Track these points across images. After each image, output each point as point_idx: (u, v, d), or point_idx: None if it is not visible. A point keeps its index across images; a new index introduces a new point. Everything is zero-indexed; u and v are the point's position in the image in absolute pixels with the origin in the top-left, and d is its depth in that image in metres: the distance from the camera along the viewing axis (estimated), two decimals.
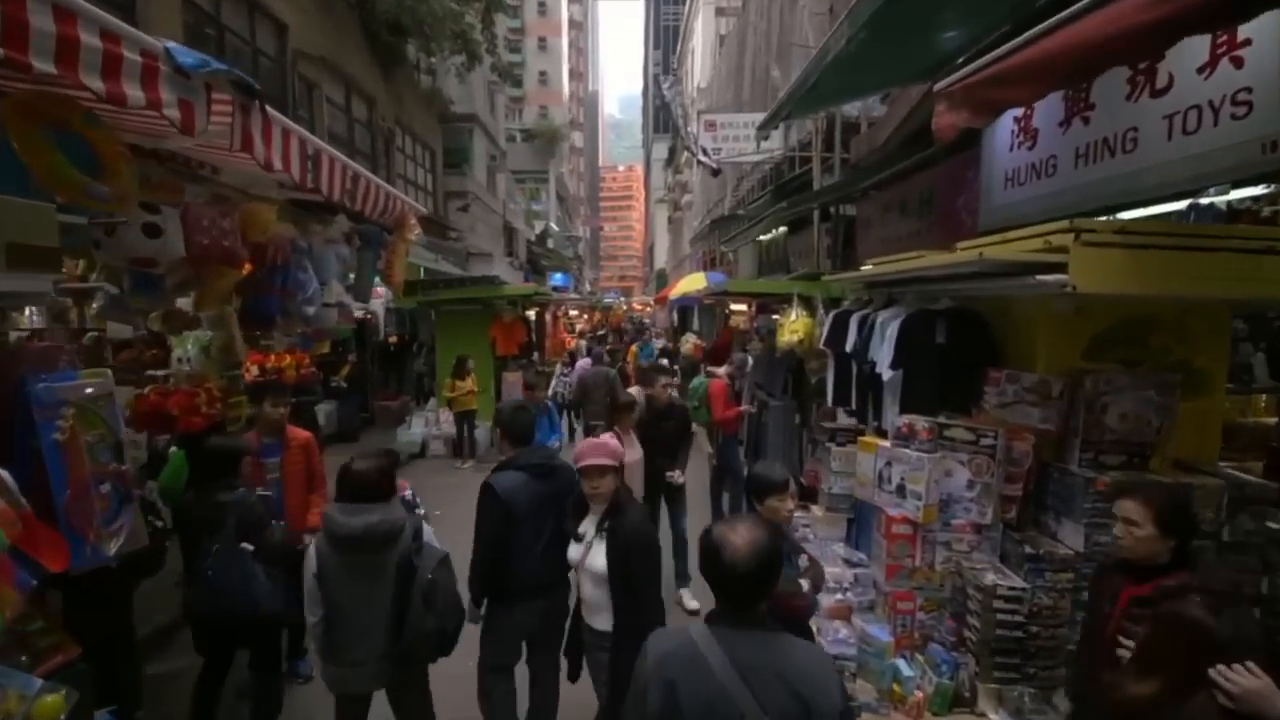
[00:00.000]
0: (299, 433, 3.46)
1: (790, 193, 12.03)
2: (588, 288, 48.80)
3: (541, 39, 47.18)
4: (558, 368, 9.30)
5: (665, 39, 54.06)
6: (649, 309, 28.83)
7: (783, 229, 14.38)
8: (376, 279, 5.99)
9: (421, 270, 10.90)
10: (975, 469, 2.63)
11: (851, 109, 11.18)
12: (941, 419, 2.78)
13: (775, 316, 8.59)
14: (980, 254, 2.28)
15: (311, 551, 2.46)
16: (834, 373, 4.11)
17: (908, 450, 2.70)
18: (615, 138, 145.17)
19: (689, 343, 9.55)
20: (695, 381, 5.46)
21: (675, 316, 17.27)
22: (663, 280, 51.96)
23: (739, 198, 19.95)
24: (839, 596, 2.94)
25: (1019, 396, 2.69)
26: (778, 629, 1.48)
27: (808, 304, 5.56)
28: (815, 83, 4.70)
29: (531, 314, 14.02)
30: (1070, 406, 2.59)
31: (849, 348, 3.75)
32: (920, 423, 2.68)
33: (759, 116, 14.91)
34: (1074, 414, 2.58)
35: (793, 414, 5.83)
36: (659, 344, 10.58)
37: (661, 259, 62.60)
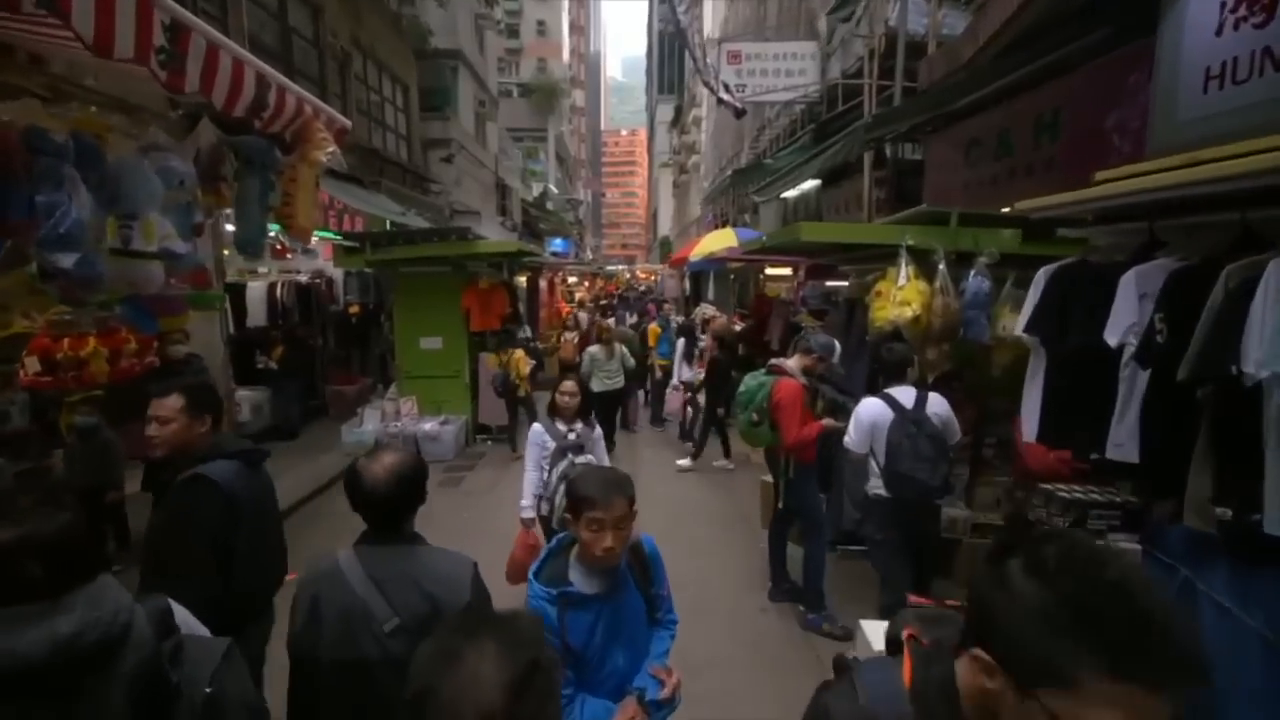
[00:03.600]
0: None
1: (833, 134, 9.90)
2: (589, 255, 46.56)
3: None
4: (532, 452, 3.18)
5: None
6: (654, 277, 26.74)
7: (814, 182, 12.28)
8: (271, 224, 4.06)
9: (388, 224, 8.90)
10: None
11: (917, 25, 9.06)
12: None
13: (840, 283, 6.61)
14: None
15: None
16: (1049, 379, 2.21)
17: None
18: (618, 101, 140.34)
19: (715, 317, 7.59)
20: (750, 383, 3.54)
21: (688, 284, 15.26)
22: (667, 247, 49.44)
23: (758, 152, 17.70)
24: None
25: None
26: (420, 544, 1.54)
27: (921, 261, 3.63)
28: None
29: (522, 280, 12.08)
30: None
31: (1117, 339, 1.84)
32: None
33: (793, 46, 12.67)
34: None
35: None
36: (675, 320, 8.60)
37: (665, 226, 60.16)
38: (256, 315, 7.88)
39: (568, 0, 51.26)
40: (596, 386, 6.48)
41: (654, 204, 71.60)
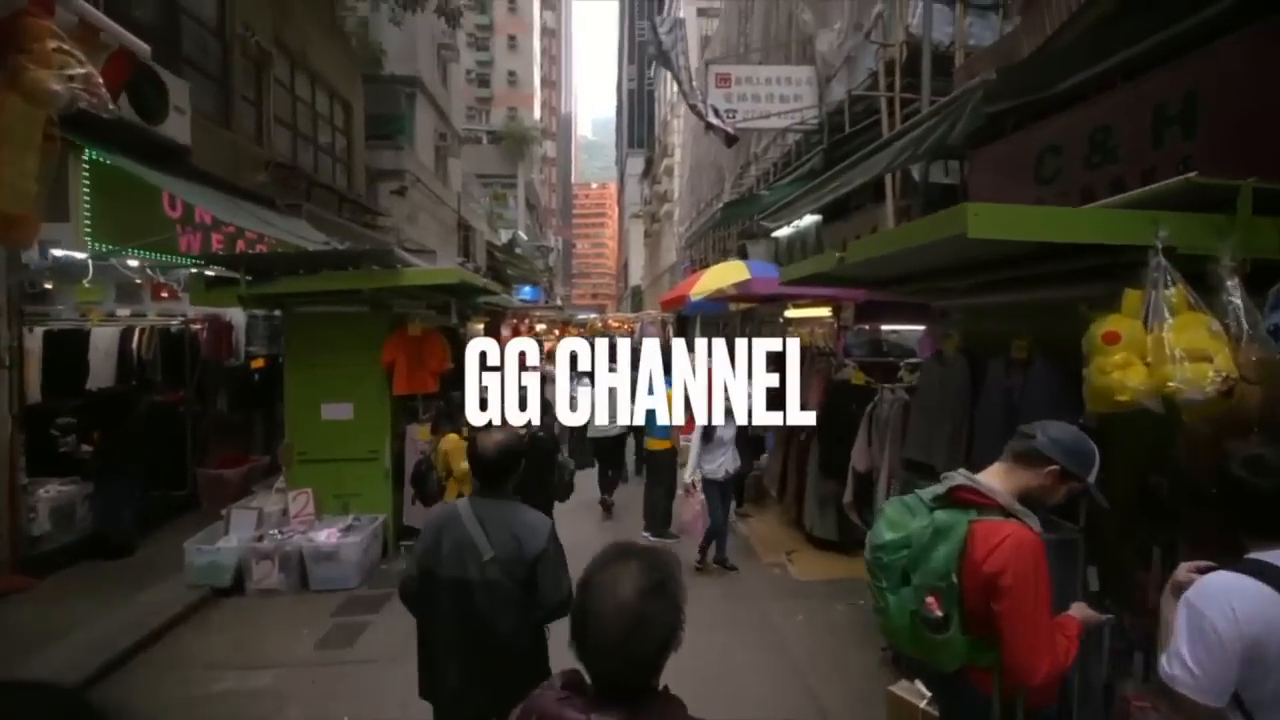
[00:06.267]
0: None
1: (839, 159, 8.45)
2: (559, 303, 45.12)
3: (511, 37, 43.67)
4: None
5: (640, 54, 51.24)
6: (629, 325, 25.10)
7: (814, 218, 10.88)
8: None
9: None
10: None
11: (942, 35, 7.87)
12: None
13: (906, 327, 4.81)
14: None
15: None
16: None
17: None
18: (588, 158, 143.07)
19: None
20: (909, 523, 1.65)
21: (670, 331, 13.55)
22: (638, 297, 48.10)
23: (741, 191, 16.51)
24: None
25: None
26: (515, 500, 2.15)
27: (1192, 278, 1.90)
28: None
29: (479, 328, 10.16)
30: None
31: None
32: None
33: (787, 70, 11.46)
34: None
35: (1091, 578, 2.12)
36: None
37: (636, 276, 59.31)
38: (101, 374, 5.75)
39: (540, 55, 51.62)
40: (592, 432, 6.44)
41: (625, 255, 70.96)
